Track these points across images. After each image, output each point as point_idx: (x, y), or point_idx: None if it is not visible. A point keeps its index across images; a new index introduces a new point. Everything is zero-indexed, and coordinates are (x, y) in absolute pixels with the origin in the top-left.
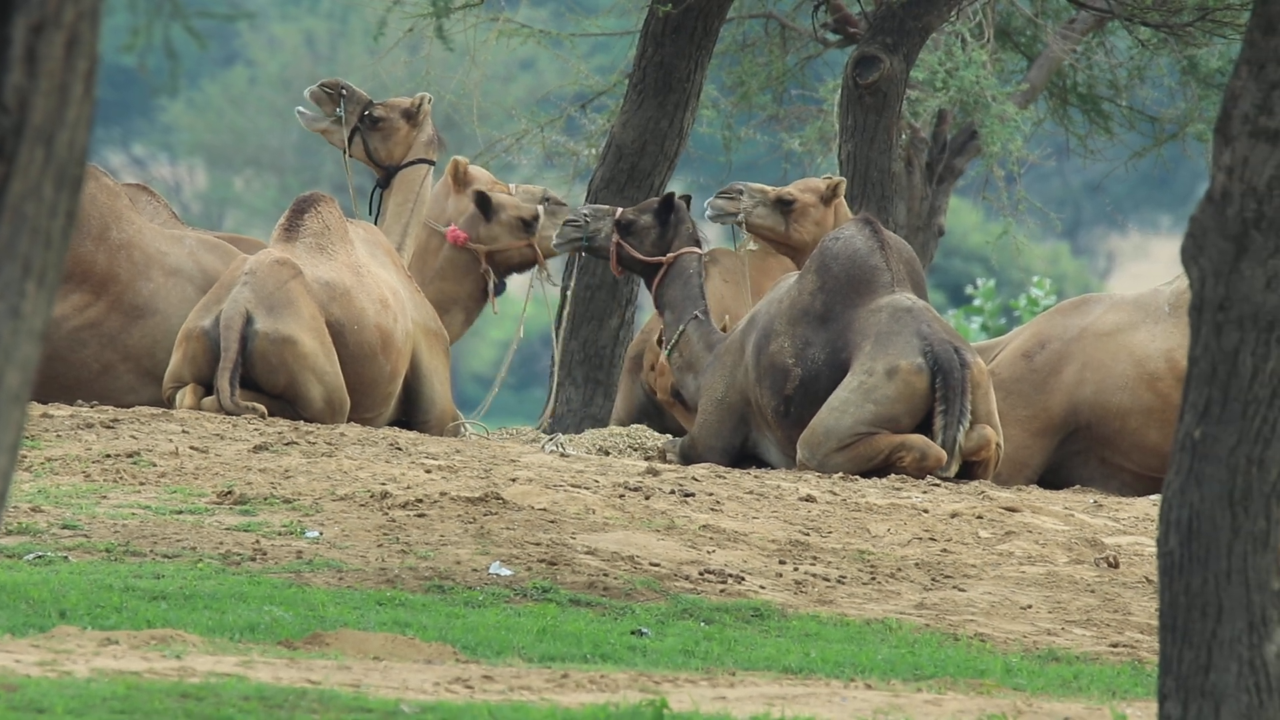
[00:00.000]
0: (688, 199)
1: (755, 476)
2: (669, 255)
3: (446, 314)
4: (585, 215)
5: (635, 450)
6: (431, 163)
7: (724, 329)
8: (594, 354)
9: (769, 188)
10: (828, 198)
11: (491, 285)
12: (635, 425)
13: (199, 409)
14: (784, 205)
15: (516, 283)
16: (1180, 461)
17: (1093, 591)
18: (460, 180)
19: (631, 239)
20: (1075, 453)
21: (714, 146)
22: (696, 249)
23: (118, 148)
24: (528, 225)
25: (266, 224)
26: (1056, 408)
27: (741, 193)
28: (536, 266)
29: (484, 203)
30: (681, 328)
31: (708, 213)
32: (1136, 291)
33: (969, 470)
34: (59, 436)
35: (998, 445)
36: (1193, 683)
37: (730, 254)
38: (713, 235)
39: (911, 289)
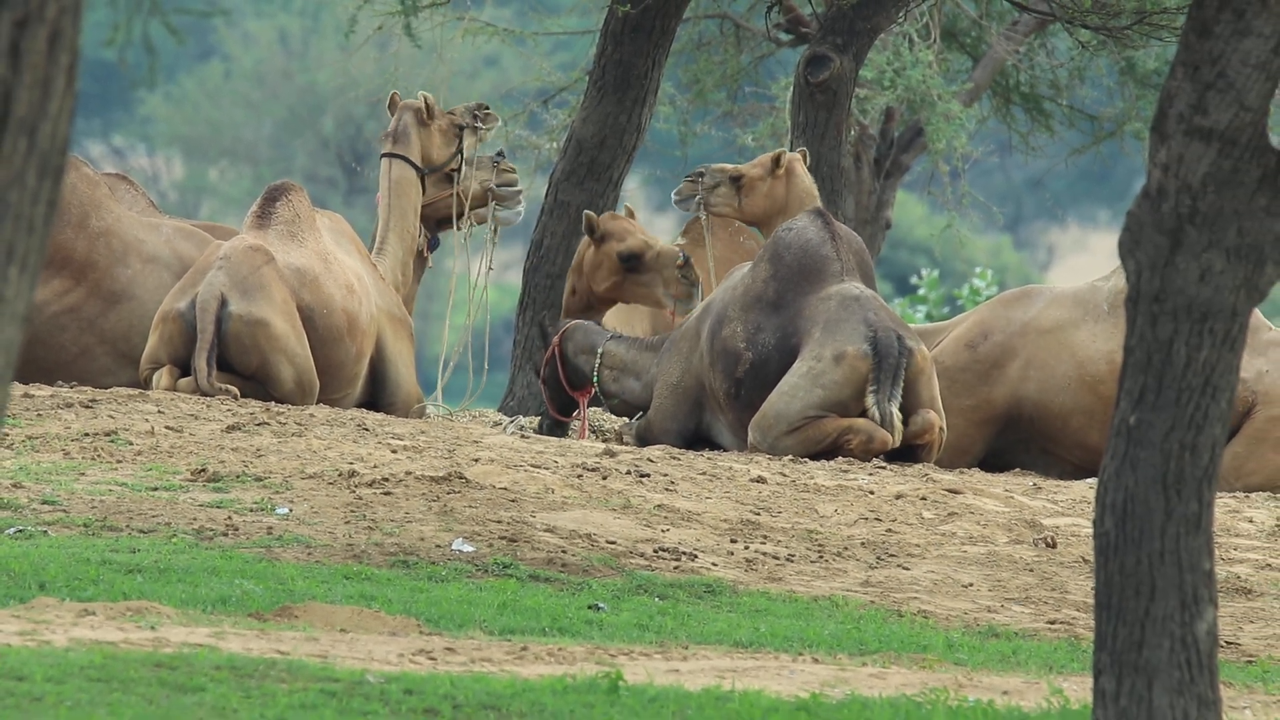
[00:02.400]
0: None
1: (708, 458)
2: (553, 343)
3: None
4: (703, 177)
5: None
6: (395, 157)
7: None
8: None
9: (728, 166)
10: (772, 169)
11: (421, 243)
12: (592, 409)
13: (175, 390)
14: (735, 182)
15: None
16: (1116, 446)
17: (1031, 570)
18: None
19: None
20: (1017, 440)
21: (670, 141)
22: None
23: (98, 139)
24: (449, 178)
25: (240, 212)
26: (999, 401)
27: (704, 173)
28: (462, 218)
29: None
30: (600, 350)
31: (673, 198)
32: (1075, 286)
33: (913, 453)
34: (39, 416)
35: (941, 430)
36: (1127, 658)
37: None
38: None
39: (860, 279)
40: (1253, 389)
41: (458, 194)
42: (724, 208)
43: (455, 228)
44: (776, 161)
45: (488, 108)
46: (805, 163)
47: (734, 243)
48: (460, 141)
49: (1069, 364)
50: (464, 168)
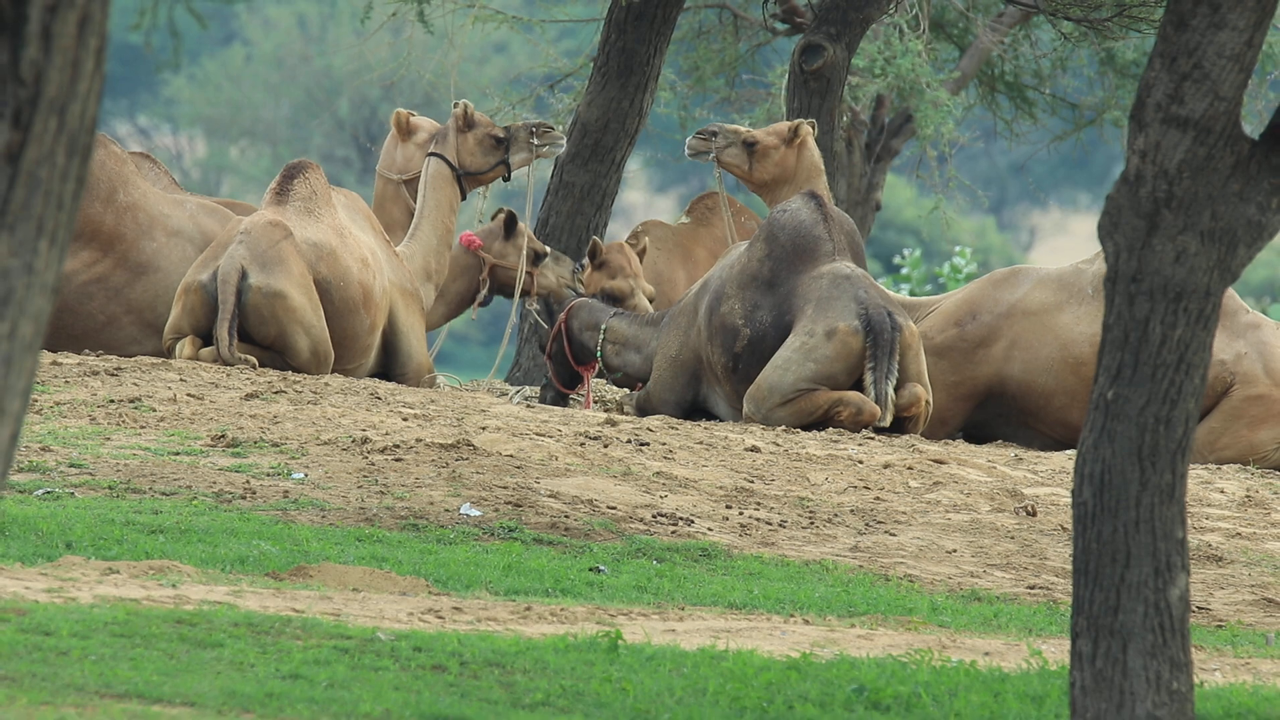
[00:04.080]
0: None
1: (705, 428)
2: (559, 320)
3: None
4: (716, 136)
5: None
6: (434, 155)
7: (651, 299)
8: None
9: (742, 128)
10: (789, 139)
11: (482, 294)
12: (595, 380)
13: (197, 359)
14: (749, 146)
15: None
16: (1094, 420)
17: (1012, 538)
18: (404, 130)
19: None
20: (999, 414)
21: (671, 125)
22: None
23: (124, 118)
24: (538, 256)
25: (260, 189)
26: (983, 378)
27: (716, 134)
28: (527, 295)
29: (511, 222)
30: (603, 327)
31: (686, 151)
32: (1060, 268)
33: (900, 425)
34: (67, 383)
35: (927, 403)
36: (1103, 622)
37: (662, 225)
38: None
39: (851, 258)
40: (1231, 370)
41: (524, 272)
42: (735, 167)
43: (515, 298)
44: (795, 131)
45: (550, 127)
46: (814, 134)
47: (736, 222)
48: (507, 154)
49: (1053, 345)
50: (548, 259)
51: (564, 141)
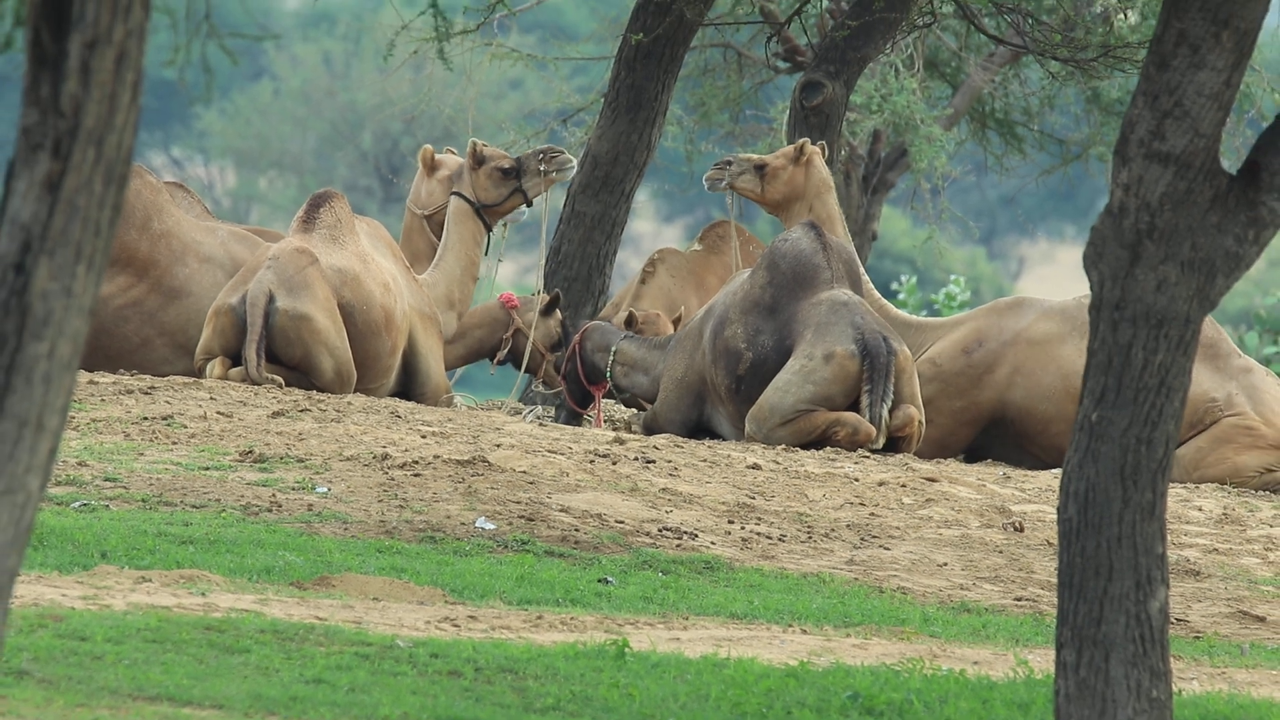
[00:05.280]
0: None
1: (709, 446)
2: (573, 342)
3: (452, 342)
4: (729, 163)
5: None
6: (455, 193)
7: (678, 320)
8: (569, 334)
9: (754, 155)
10: (796, 158)
11: (502, 353)
12: (605, 400)
13: (226, 379)
14: (759, 170)
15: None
16: (1079, 440)
17: (1001, 552)
18: (429, 166)
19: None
20: (995, 437)
21: (677, 158)
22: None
23: (159, 150)
24: (556, 346)
25: (287, 218)
26: (986, 403)
27: (730, 163)
28: (533, 375)
29: (552, 305)
30: (614, 349)
31: (705, 184)
32: (1064, 301)
33: (894, 444)
34: (103, 401)
35: (920, 423)
36: (1086, 633)
37: (676, 252)
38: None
39: (849, 286)
40: (1221, 407)
41: (550, 365)
42: (749, 191)
43: (521, 369)
44: (800, 151)
45: (558, 150)
46: (824, 156)
47: (744, 251)
48: (520, 182)
49: (1054, 375)
50: (533, 331)
51: (573, 162)
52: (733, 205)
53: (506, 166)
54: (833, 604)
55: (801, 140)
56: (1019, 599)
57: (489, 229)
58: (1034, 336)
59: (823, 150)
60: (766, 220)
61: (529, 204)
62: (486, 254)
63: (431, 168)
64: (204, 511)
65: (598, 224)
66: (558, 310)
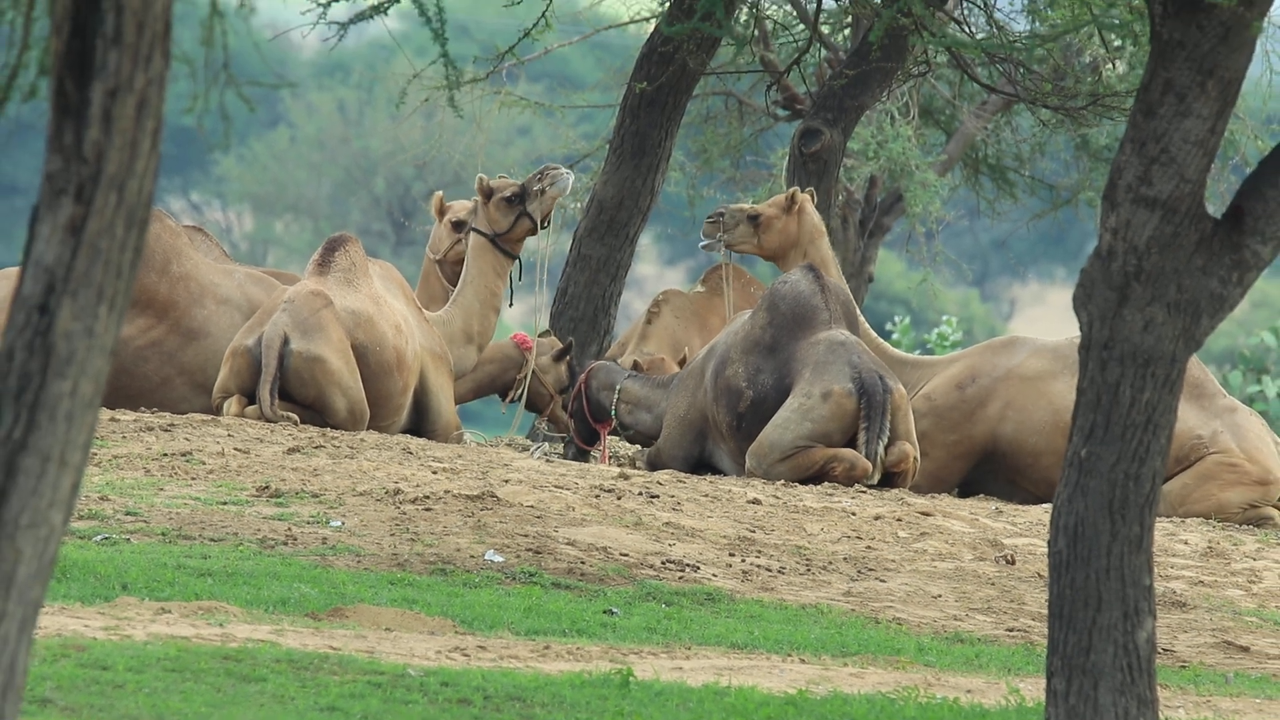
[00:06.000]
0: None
1: (710, 482)
2: (580, 380)
3: (461, 376)
4: (723, 217)
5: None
6: (471, 229)
7: (683, 360)
8: (575, 377)
9: (746, 205)
10: (788, 208)
11: (514, 392)
12: (610, 437)
13: (243, 417)
14: (753, 220)
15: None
16: (1069, 475)
17: (993, 584)
18: (439, 212)
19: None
20: (988, 472)
21: (680, 203)
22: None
23: (178, 195)
24: (563, 391)
25: (302, 261)
26: (979, 437)
27: (723, 214)
28: (538, 413)
29: (564, 352)
30: (618, 387)
31: (700, 245)
32: (1055, 340)
33: (890, 479)
34: (124, 438)
35: (915, 459)
36: (1076, 662)
37: (680, 294)
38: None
39: (846, 326)
40: (1207, 444)
41: (557, 408)
42: (744, 244)
43: (521, 405)
44: (792, 199)
45: (553, 167)
46: (814, 202)
47: (745, 292)
48: (523, 206)
49: (1046, 410)
50: (532, 370)
51: (568, 175)
52: (728, 255)
53: (510, 194)
54: (830, 634)
55: (791, 189)
56: (1011, 629)
57: (514, 257)
58: (1025, 373)
59: (813, 197)
60: (766, 263)
61: (538, 226)
62: (521, 278)
63: (440, 213)
64: (222, 545)
65: (603, 266)
66: (569, 358)
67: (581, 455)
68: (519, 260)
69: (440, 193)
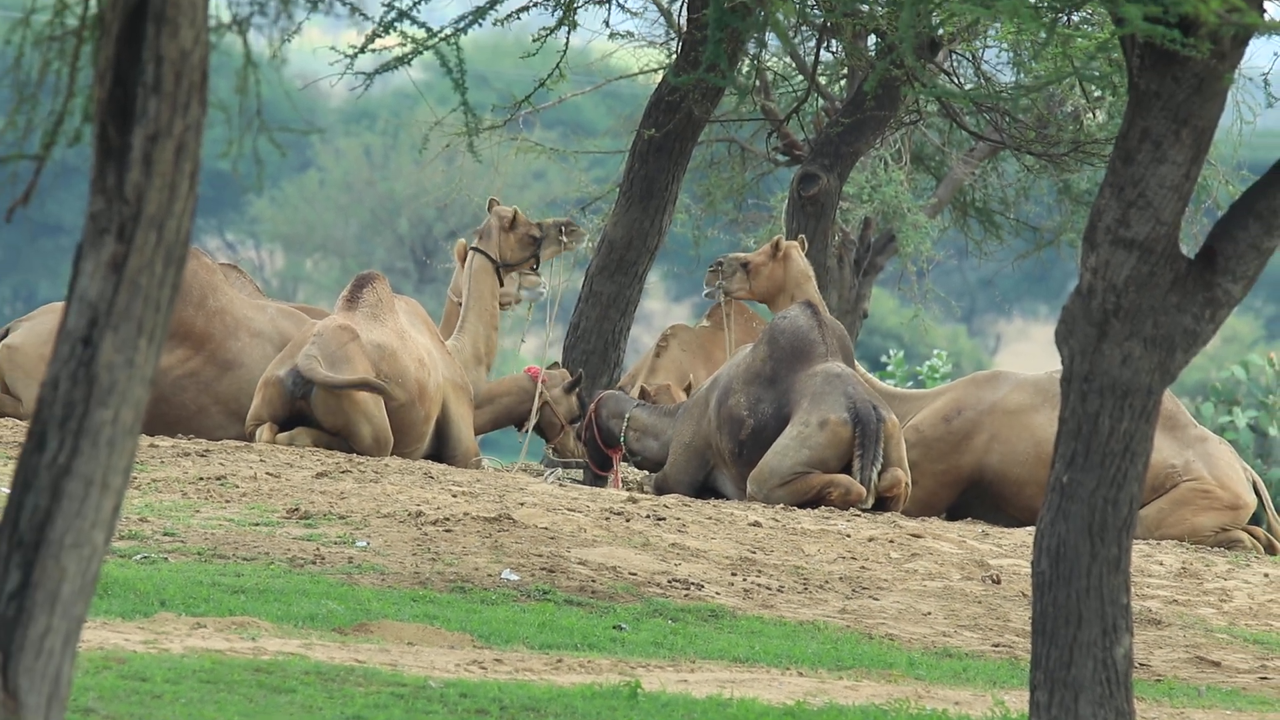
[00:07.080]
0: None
1: (714, 505)
2: (590, 409)
3: (480, 407)
4: (722, 266)
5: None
6: (478, 251)
7: (688, 389)
8: (585, 407)
9: (740, 254)
10: (774, 255)
11: (530, 423)
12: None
13: (274, 443)
14: (745, 267)
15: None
16: (1051, 500)
17: (980, 602)
18: (461, 258)
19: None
20: (975, 498)
21: (686, 243)
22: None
23: (214, 234)
24: (573, 421)
25: (330, 297)
26: (966, 467)
27: (722, 263)
28: (547, 441)
29: (574, 384)
30: (627, 416)
31: (704, 293)
32: (1036, 375)
33: (883, 504)
34: (162, 462)
35: (906, 485)
36: (1058, 676)
37: (687, 329)
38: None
39: (842, 359)
40: (1180, 473)
41: (564, 441)
42: (740, 290)
43: (526, 434)
44: (776, 247)
45: (574, 225)
46: (804, 249)
47: (748, 327)
48: (537, 248)
49: (1028, 442)
50: (546, 400)
51: (586, 236)
52: (726, 301)
53: (535, 234)
54: (827, 649)
55: (776, 237)
56: (996, 645)
57: (502, 283)
58: (1009, 406)
59: (803, 244)
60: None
61: (535, 268)
62: (530, 316)
63: (463, 258)
64: (254, 564)
65: (613, 303)
66: (578, 390)
67: (599, 481)
68: (529, 304)
69: (463, 240)
